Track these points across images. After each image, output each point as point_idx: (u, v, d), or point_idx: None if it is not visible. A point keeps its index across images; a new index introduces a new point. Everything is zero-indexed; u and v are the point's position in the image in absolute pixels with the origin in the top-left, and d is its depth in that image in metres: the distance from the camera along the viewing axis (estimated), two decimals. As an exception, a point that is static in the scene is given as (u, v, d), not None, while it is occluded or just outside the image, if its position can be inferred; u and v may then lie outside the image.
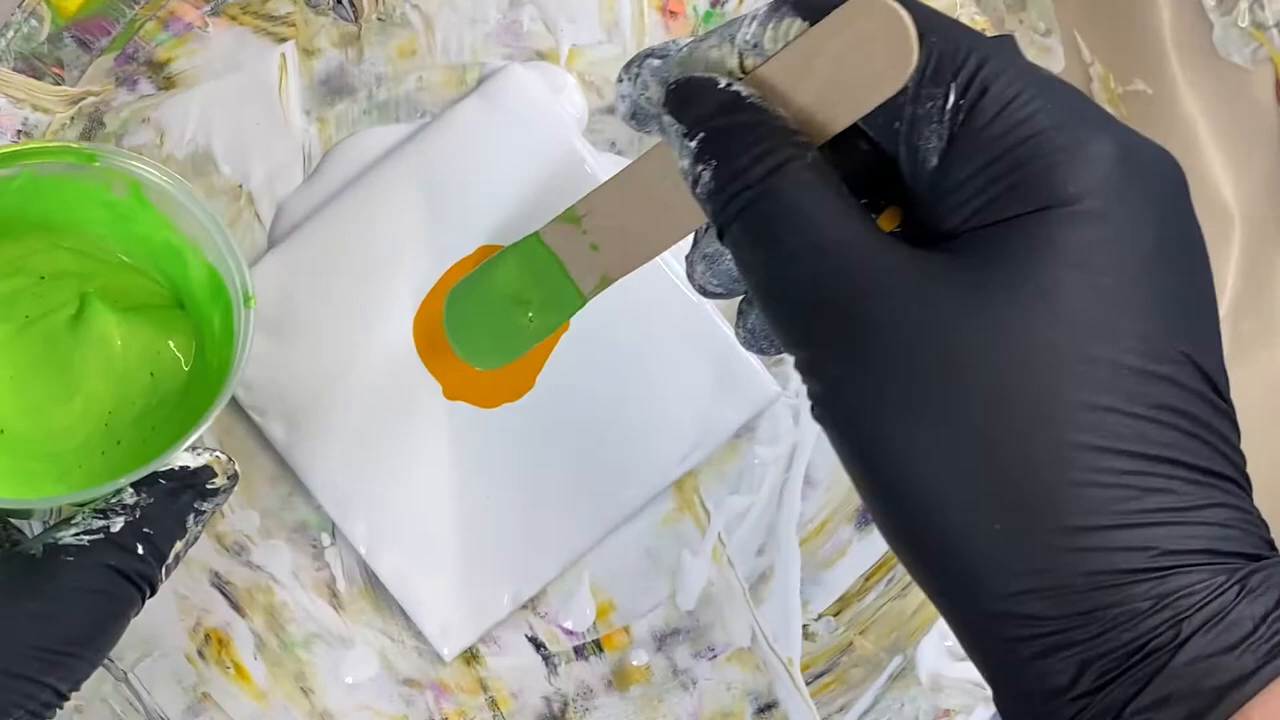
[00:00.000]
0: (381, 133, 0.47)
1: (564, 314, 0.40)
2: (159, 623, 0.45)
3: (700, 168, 0.30)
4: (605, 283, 0.38)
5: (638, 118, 0.34)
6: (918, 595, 0.46)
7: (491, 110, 0.46)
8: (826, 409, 0.29)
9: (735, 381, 0.46)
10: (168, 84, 0.47)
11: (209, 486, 0.38)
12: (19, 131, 0.46)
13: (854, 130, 0.30)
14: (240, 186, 0.46)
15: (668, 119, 0.31)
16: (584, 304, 0.39)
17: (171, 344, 0.42)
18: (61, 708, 0.36)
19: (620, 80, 0.33)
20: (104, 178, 0.39)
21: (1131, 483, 0.26)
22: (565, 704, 0.47)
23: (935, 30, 0.28)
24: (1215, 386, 0.27)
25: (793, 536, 0.47)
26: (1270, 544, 0.28)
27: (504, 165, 0.46)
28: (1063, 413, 0.26)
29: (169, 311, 0.42)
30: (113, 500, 0.37)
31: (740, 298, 0.35)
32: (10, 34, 0.46)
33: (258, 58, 0.47)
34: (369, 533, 0.45)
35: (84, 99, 0.46)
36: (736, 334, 0.35)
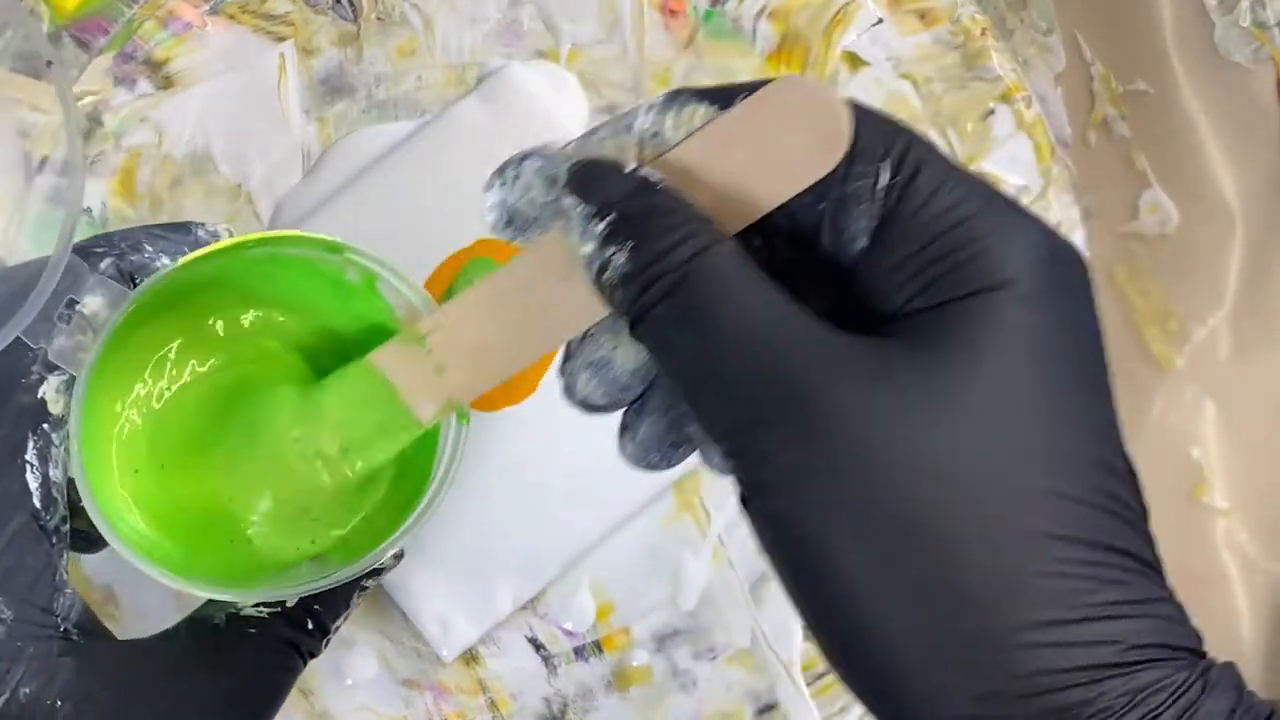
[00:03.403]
0: (380, 131, 0.47)
1: (393, 446, 0.36)
2: (159, 624, 0.45)
3: (612, 250, 0.28)
4: (450, 407, 0.34)
5: (514, 224, 0.31)
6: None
7: (491, 110, 0.46)
8: (761, 499, 0.28)
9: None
10: (166, 83, 0.46)
11: (374, 566, 0.38)
12: (18, 131, 0.45)
13: (765, 216, 0.29)
14: (239, 186, 0.46)
15: (571, 200, 0.29)
16: (421, 433, 0.35)
17: None
18: None
19: (490, 188, 0.31)
20: (342, 265, 0.38)
21: (1091, 574, 0.26)
22: (565, 705, 0.46)
23: (857, 116, 0.28)
24: (1133, 474, 0.27)
25: (793, 537, 0.47)
26: (1199, 638, 0.27)
27: (504, 165, 0.46)
28: (1019, 503, 0.26)
29: None
30: None
31: (625, 410, 0.32)
32: (9, 33, 0.46)
33: (257, 57, 0.47)
34: (368, 533, 0.45)
35: (82, 98, 0.46)
36: (621, 449, 0.32)
